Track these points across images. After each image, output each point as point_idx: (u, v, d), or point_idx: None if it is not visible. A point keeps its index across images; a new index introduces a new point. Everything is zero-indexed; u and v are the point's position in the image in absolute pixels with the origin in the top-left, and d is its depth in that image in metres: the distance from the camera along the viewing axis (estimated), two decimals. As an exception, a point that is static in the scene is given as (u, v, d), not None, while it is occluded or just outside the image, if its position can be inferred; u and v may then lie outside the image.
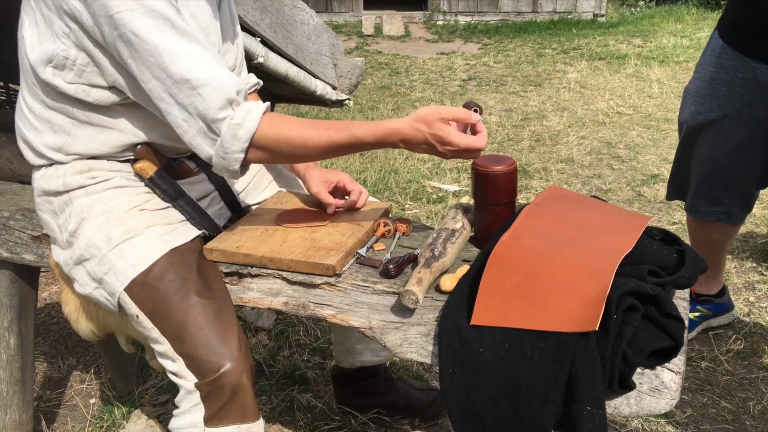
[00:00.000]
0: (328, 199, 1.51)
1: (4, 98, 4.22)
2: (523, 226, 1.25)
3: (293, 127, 1.26)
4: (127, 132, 1.35)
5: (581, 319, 1.04)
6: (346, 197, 1.57)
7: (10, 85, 3.98)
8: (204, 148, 1.25)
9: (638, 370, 1.05)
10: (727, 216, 2.01)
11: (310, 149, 1.27)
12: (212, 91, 1.20)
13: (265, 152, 1.26)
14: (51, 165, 1.38)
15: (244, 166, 1.28)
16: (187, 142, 1.26)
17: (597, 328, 1.02)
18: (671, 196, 2.16)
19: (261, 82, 1.67)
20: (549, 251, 1.17)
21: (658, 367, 1.06)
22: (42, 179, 1.38)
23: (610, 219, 1.27)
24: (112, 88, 1.29)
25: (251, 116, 1.23)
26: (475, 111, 1.28)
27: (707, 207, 2.02)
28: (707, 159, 1.93)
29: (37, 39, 1.27)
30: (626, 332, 1.02)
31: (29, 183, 1.68)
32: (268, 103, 1.29)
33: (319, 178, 1.54)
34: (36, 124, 1.35)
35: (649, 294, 1.06)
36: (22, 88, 1.35)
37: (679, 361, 1.07)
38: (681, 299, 1.23)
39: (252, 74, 1.65)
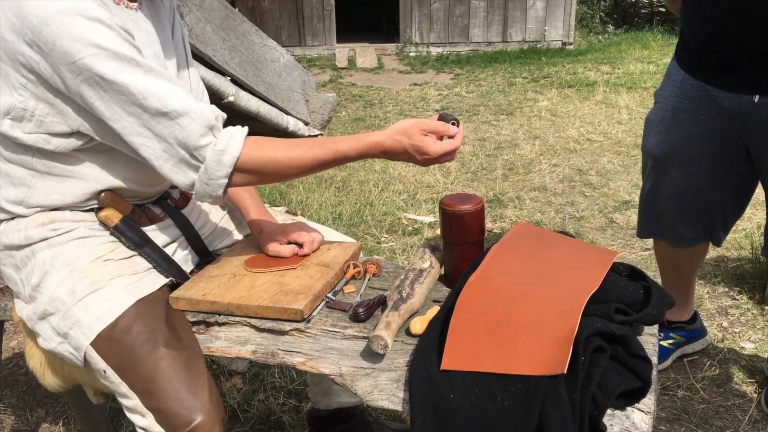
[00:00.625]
0: (280, 251, 1.51)
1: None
2: (492, 266, 1.25)
3: (278, 148, 1.27)
4: (89, 179, 1.34)
5: (550, 362, 1.03)
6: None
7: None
8: (187, 175, 1.24)
9: (608, 411, 1.05)
10: (711, 237, 2.02)
11: (296, 168, 1.28)
12: (191, 120, 1.21)
13: (249, 175, 1.27)
14: (12, 219, 1.36)
15: (226, 191, 1.29)
16: (166, 174, 1.25)
17: (565, 371, 1.01)
18: (645, 233, 2.11)
19: (224, 115, 1.67)
20: (518, 291, 1.17)
21: (629, 408, 1.05)
22: (3, 233, 1.36)
23: (577, 256, 1.28)
24: (75, 133, 1.27)
25: (234, 141, 1.24)
26: (453, 124, 1.31)
27: (692, 234, 2.01)
28: (682, 187, 1.93)
29: None
30: (595, 374, 1.01)
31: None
32: (247, 128, 1.29)
33: (271, 237, 1.53)
34: None
35: (615, 334, 1.06)
36: None
37: (649, 401, 1.07)
38: (650, 335, 1.24)
39: (213, 105, 1.65)
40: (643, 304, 1.18)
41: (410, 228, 3.62)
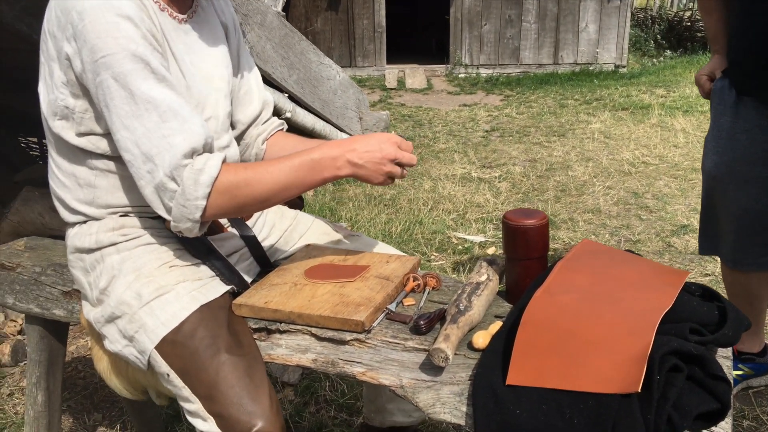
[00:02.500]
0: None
1: (37, 153, 4.34)
2: (557, 282, 1.23)
3: (249, 166, 1.28)
4: None
5: (622, 380, 1.00)
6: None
7: (44, 140, 4.06)
8: (164, 200, 1.24)
9: (684, 433, 1.01)
10: None
11: (268, 183, 1.27)
12: (181, 140, 1.21)
13: (226, 197, 1.25)
14: (85, 222, 1.39)
15: (204, 224, 1.28)
16: (147, 196, 1.25)
17: (639, 390, 0.98)
18: (705, 250, 2.11)
19: (285, 124, 1.69)
20: (585, 308, 1.14)
21: (705, 431, 1.01)
22: (75, 237, 1.40)
23: (646, 274, 1.24)
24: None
25: (212, 162, 1.23)
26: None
27: (754, 258, 1.96)
28: (741, 208, 1.89)
29: (45, 92, 1.31)
30: (671, 394, 0.98)
31: (60, 238, 1.70)
32: (225, 153, 1.29)
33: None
34: (63, 179, 1.37)
35: (693, 354, 1.02)
36: (49, 145, 1.38)
37: (726, 424, 1.03)
38: (723, 358, 1.19)
39: (275, 117, 1.67)
40: (718, 325, 1.14)
41: (460, 247, 3.59)
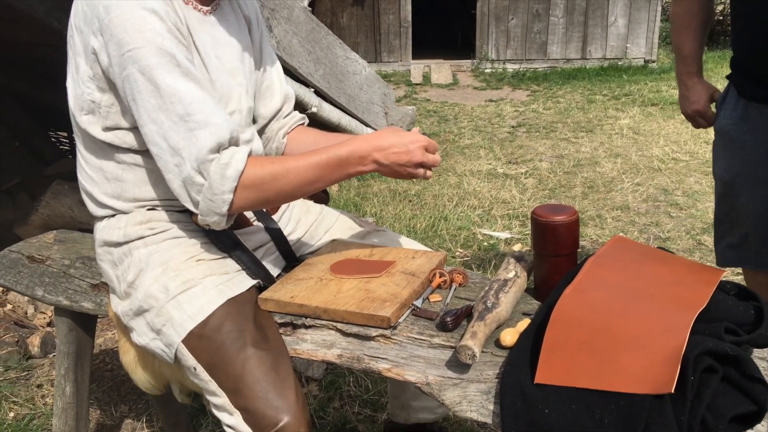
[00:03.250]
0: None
1: (67, 148, 4.41)
2: (588, 279, 1.21)
3: (275, 160, 1.29)
4: None
5: (655, 380, 0.98)
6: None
7: (73, 135, 4.12)
8: (191, 194, 1.25)
9: (719, 436, 0.98)
10: None
11: (295, 177, 1.27)
12: (207, 135, 1.21)
13: (253, 191, 1.25)
14: (113, 216, 1.40)
15: (231, 216, 1.28)
16: (174, 190, 1.26)
17: (673, 390, 0.95)
18: (726, 261, 1.96)
19: (306, 118, 1.68)
20: (617, 306, 1.12)
21: (741, 434, 0.98)
22: (104, 230, 1.41)
23: (680, 272, 1.21)
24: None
25: (238, 156, 1.24)
26: None
27: None
28: (759, 210, 1.79)
29: (72, 87, 1.32)
30: (705, 395, 0.95)
31: (89, 231, 1.72)
32: (250, 146, 1.29)
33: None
34: (91, 174, 1.38)
35: (728, 354, 0.99)
36: (76, 140, 1.39)
37: (762, 427, 1.00)
38: (759, 359, 1.16)
39: (296, 111, 1.67)
40: (755, 324, 1.10)
41: (485, 243, 3.56)
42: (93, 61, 1.26)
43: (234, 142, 1.26)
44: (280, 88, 1.59)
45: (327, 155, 1.29)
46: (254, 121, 1.58)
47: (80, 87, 1.30)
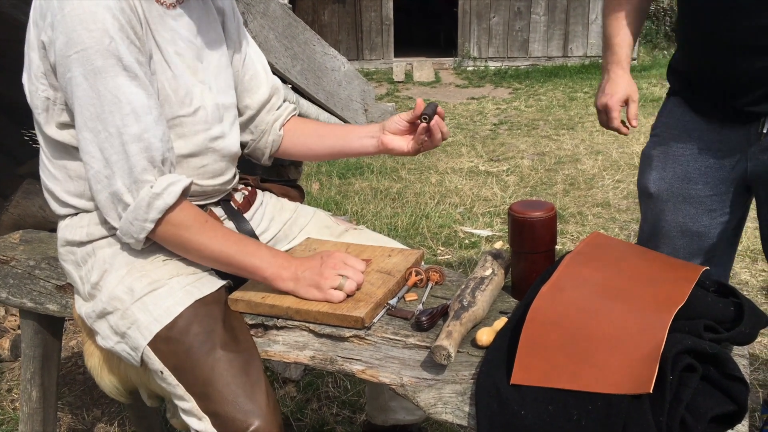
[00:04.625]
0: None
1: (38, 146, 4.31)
2: (565, 277, 1.18)
3: (205, 219, 1.29)
4: None
5: (633, 380, 0.95)
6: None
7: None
8: (117, 209, 1.24)
9: (698, 437, 0.95)
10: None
11: (208, 247, 1.28)
12: (138, 151, 1.20)
13: (172, 230, 1.25)
14: (76, 214, 1.35)
15: (147, 241, 1.27)
16: (100, 202, 1.24)
17: (651, 391, 0.93)
18: None
19: (297, 108, 1.64)
20: (594, 304, 1.09)
21: (721, 434, 0.96)
22: (66, 229, 1.36)
23: (659, 268, 1.19)
24: None
25: (172, 188, 1.23)
26: (424, 119, 1.38)
27: None
28: (680, 229, 1.65)
29: (27, 84, 1.29)
30: (684, 395, 0.92)
31: (57, 231, 1.67)
32: (190, 180, 1.27)
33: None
34: (54, 172, 1.34)
35: (708, 353, 0.97)
36: (39, 137, 1.35)
37: (743, 427, 0.97)
38: (740, 356, 1.14)
39: (288, 102, 1.63)
40: (735, 321, 1.08)
41: (467, 241, 3.54)
42: (43, 57, 1.22)
43: (167, 163, 1.25)
44: (266, 79, 1.55)
45: (248, 257, 1.29)
46: (241, 114, 1.54)
47: (34, 83, 1.26)
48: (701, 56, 1.55)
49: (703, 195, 1.61)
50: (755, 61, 1.44)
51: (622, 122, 1.70)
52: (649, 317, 1.03)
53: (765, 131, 1.50)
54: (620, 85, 1.67)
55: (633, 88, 1.69)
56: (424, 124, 1.40)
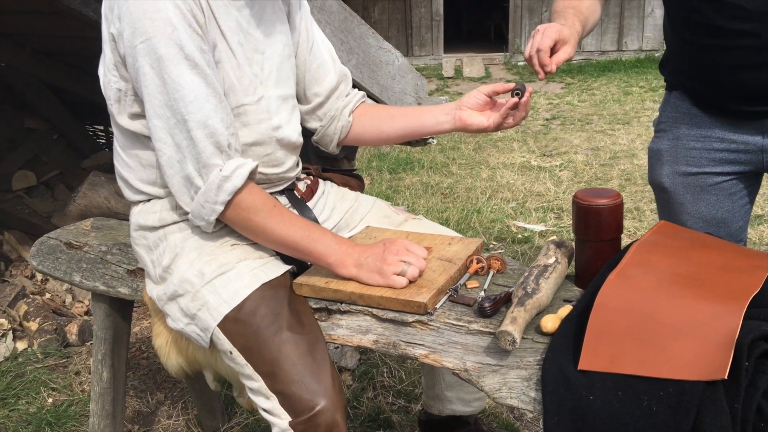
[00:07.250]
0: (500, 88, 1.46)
1: (103, 141, 4.47)
2: (633, 264, 1.16)
3: (274, 203, 1.32)
4: None
5: (706, 366, 0.94)
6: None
7: (109, 128, 4.19)
8: (189, 193, 1.28)
9: (775, 425, 0.93)
10: None
11: (275, 231, 1.30)
12: (204, 137, 1.24)
13: (241, 213, 1.29)
14: (149, 200, 1.40)
15: (218, 223, 1.31)
16: (173, 186, 1.29)
17: (726, 377, 0.91)
18: None
19: (365, 95, 1.65)
20: (664, 291, 1.08)
21: (798, 424, 0.94)
22: (139, 214, 1.41)
23: (730, 257, 1.16)
24: None
25: (240, 171, 1.26)
26: (517, 94, 1.39)
27: None
28: (703, 219, 1.64)
29: (102, 75, 1.34)
30: (760, 382, 0.91)
31: (125, 221, 1.73)
32: (256, 164, 1.31)
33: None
34: (128, 160, 1.39)
35: (785, 340, 0.94)
36: (113, 127, 1.40)
37: (821, 418, 0.95)
38: (816, 347, 1.10)
39: (356, 90, 1.63)
40: (811, 310, 1.05)
41: (520, 236, 3.51)
42: (113, 49, 1.27)
43: (231, 148, 1.28)
44: (333, 67, 1.57)
45: (316, 242, 1.32)
46: (310, 101, 1.56)
47: (107, 75, 1.31)
48: (697, 72, 1.56)
49: (720, 181, 1.61)
50: (760, 74, 1.43)
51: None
52: (722, 304, 1.01)
53: None
54: (551, 27, 1.47)
55: (566, 31, 1.49)
56: (515, 99, 1.40)
